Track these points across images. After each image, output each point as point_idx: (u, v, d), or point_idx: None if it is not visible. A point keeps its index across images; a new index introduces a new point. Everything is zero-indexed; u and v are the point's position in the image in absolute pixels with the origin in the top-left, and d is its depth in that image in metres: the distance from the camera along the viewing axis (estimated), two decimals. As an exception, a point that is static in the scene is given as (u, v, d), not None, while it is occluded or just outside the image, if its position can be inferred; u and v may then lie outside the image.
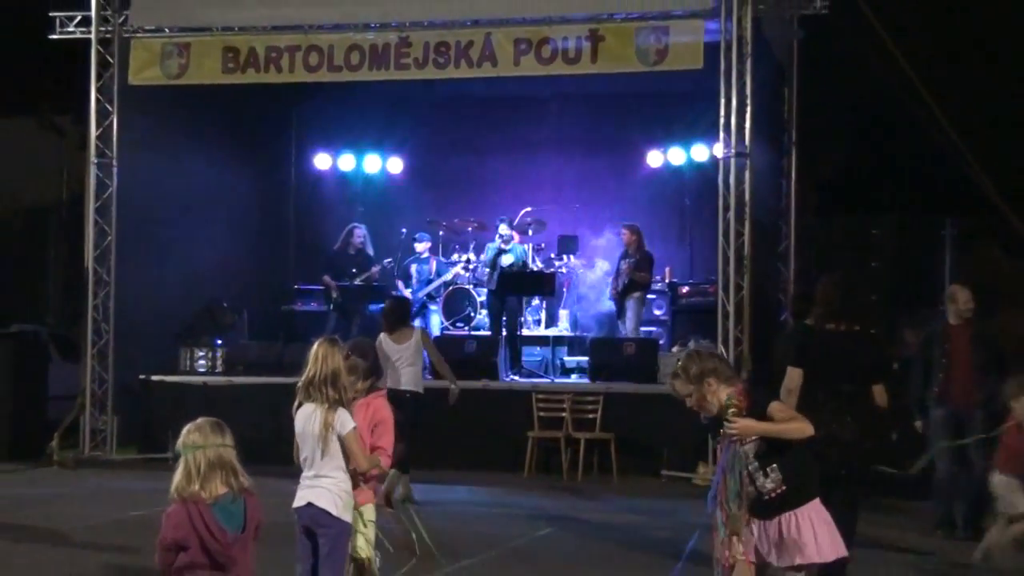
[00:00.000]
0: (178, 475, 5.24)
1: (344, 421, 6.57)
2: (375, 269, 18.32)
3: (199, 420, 5.37)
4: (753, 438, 6.18)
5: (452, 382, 13.20)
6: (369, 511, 7.12)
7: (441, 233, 19.25)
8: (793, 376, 8.56)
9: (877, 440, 9.09)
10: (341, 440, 6.56)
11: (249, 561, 5.27)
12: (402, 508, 7.24)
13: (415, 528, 7.16)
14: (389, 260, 18.69)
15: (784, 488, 6.18)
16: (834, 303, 8.93)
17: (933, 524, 11.16)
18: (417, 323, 16.47)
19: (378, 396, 7.36)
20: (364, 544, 7.07)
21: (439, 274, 18.60)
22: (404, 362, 12.81)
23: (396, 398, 12.77)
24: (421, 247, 18.71)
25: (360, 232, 18.64)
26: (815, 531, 6.16)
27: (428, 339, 13.31)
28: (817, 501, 6.24)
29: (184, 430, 5.31)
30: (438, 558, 7.12)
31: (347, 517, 6.66)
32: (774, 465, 6.17)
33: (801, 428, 6.18)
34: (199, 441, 5.26)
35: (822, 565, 6.22)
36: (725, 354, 14.76)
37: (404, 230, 19.41)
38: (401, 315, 13.39)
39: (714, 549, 6.28)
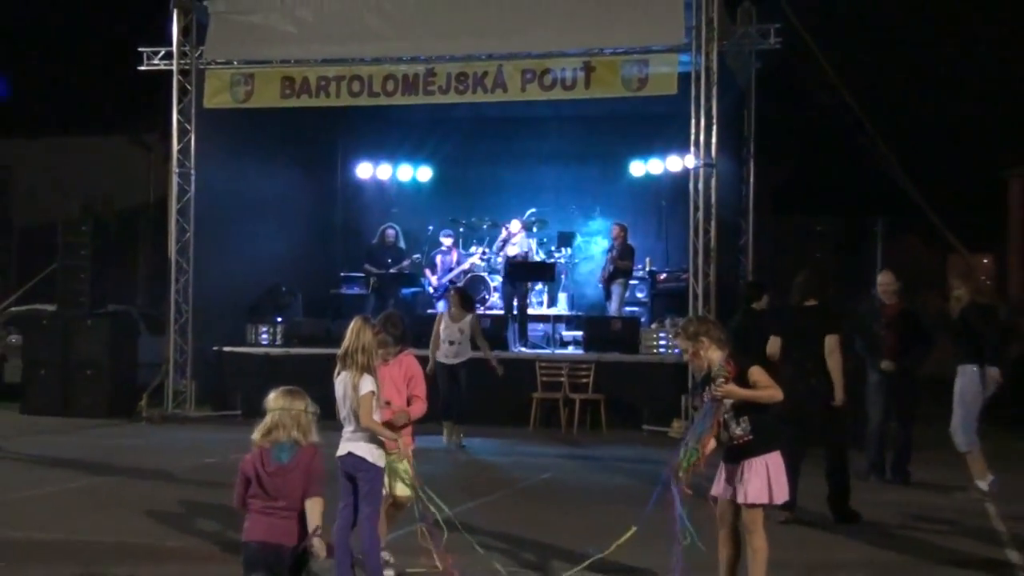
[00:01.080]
0: (258, 427, 5.42)
1: (363, 385, 6.56)
2: (406, 262, 18.31)
3: (282, 388, 5.52)
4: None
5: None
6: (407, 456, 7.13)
7: (461, 229, 19.23)
8: (775, 343, 9.18)
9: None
10: (357, 400, 6.58)
11: (297, 497, 5.27)
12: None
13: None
14: (418, 256, 18.67)
15: (750, 438, 6.19)
16: (809, 287, 9.37)
17: (865, 470, 11.11)
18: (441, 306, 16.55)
19: (408, 355, 7.40)
20: (403, 485, 7.07)
21: (459, 263, 18.60)
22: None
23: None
24: (445, 241, 18.68)
25: (391, 232, 18.66)
26: (770, 477, 6.17)
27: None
28: (777, 454, 6.23)
29: (271, 393, 5.48)
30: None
31: (381, 463, 6.67)
32: (745, 417, 6.21)
33: (772, 395, 6.23)
34: (273, 404, 5.42)
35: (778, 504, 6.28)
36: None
37: (431, 227, 19.40)
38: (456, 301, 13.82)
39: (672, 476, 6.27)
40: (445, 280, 18.29)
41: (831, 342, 9.05)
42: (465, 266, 18.52)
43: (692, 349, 6.28)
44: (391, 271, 18.09)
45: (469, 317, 13.50)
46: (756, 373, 6.23)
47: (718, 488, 6.35)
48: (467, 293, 14.46)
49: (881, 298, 11.19)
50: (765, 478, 6.17)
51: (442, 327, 13.35)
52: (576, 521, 9.08)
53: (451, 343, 13.31)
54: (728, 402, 6.20)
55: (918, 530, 8.89)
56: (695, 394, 6.39)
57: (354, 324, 6.72)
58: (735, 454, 6.25)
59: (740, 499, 6.20)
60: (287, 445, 5.33)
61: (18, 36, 29.44)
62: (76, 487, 10.46)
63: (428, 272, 18.62)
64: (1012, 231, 29.52)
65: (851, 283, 15.29)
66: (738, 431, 6.22)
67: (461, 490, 9.69)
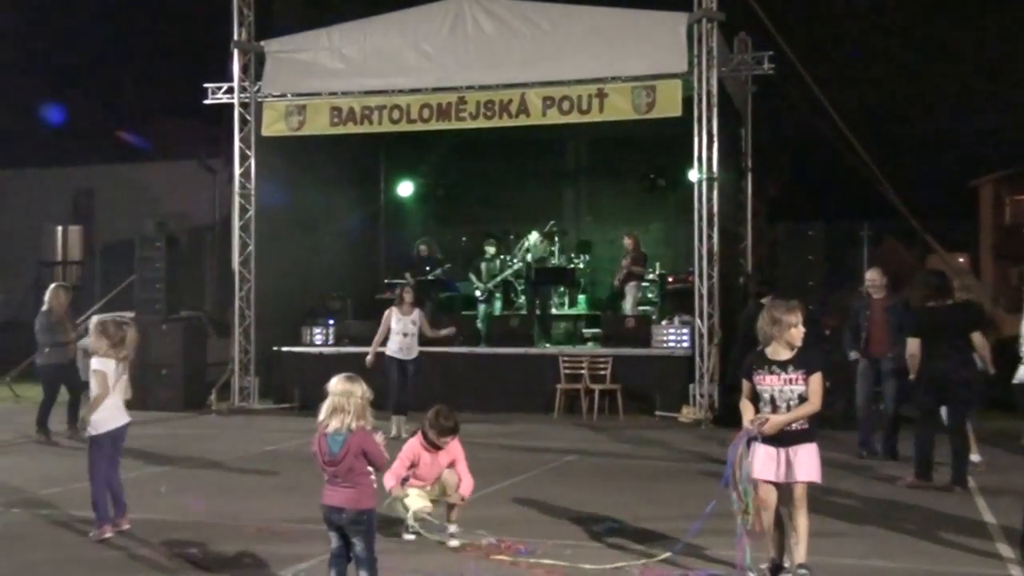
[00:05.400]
0: (323, 407, 5.53)
1: None
2: (439, 271, 18.20)
3: (343, 375, 5.58)
4: (801, 383, 6.04)
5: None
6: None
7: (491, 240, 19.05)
8: (914, 344, 9.26)
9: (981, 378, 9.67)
10: None
11: (351, 475, 5.45)
12: None
13: None
14: (449, 265, 18.55)
15: (806, 426, 6.06)
16: (933, 288, 9.47)
17: (858, 448, 11.06)
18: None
19: (456, 442, 7.39)
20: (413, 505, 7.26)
21: (502, 271, 18.39)
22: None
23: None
24: (489, 249, 18.48)
25: (423, 247, 18.47)
26: (817, 460, 6.07)
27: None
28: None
29: (333, 379, 5.55)
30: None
31: None
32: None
33: (812, 410, 6.06)
34: (334, 389, 5.51)
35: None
36: (701, 326, 14.70)
37: (464, 239, 19.35)
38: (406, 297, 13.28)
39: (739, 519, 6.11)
40: (491, 285, 18.15)
41: (981, 341, 9.47)
42: (508, 274, 18.33)
43: (799, 322, 6.13)
44: (429, 277, 18.02)
45: (417, 311, 13.02)
46: (815, 382, 6.08)
47: (763, 471, 6.08)
48: (415, 289, 13.71)
49: (870, 292, 11.15)
50: (817, 460, 6.05)
51: (393, 321, 12.90)
52: (598, 496, 9.04)
53: (404, 335, 12.83)
54: (795, 391, 6.05)
55: (911, 499, 8.82)
56: (756, 370, 6.15)
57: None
58: (788, 439, 6.05)
59: (802, 477, 6.01)
60: (339, 437, 5.44)
61: (100, 75, 29.74)
62: (155, 472, 10.51)
63: (474, 277, 18.47)
64: (983, 232, 29.35)
65: (840, 281, 15.18)
66: None
67: (497, 470, 9.68)
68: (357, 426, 5.45)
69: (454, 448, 7.28)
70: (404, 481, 7.18)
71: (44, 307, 12.77)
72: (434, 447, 7.17)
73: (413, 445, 7.23)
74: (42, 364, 12.81)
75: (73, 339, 12.96)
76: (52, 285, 13.22)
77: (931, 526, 7.80)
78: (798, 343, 6.13)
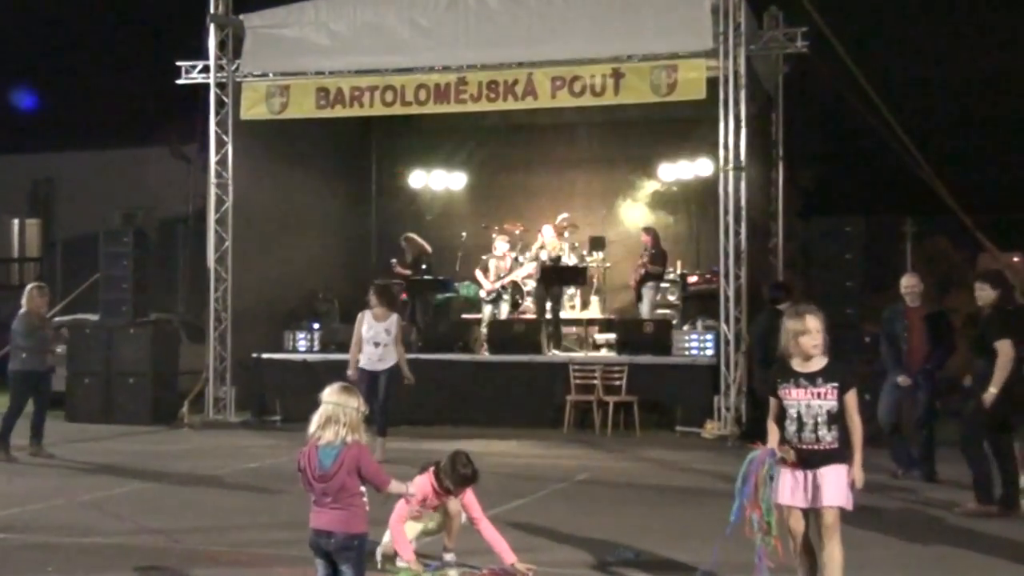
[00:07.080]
0: (314, 417, 5.51)
1: None
2: (423, 267, 18.22)
3: (337, 384, 5.60)
4: (831, 397, 6.01)
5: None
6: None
7: (493, 236, 19.03)
8: (1009, 347, 8.98)
9: None
10: None
11: (342, 494, 5.42)
12: None
13: None
14: (424, 266, 18.42)
15: (836, 445, 6.03)
16: (1008, 288, 9.56)
17: (897, 465, 11.07)
18: None
19: (470, 492, 7.36)
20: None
21: (512, 271, 18.34)
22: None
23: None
24: (501, 247, 18.48)
25: (404, 245, 18.52)
26: (846, 483, 6.03)
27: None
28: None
29: (327, 388, 5.55)
30: None
31: None
32: (836, 426, 6.02)
33: (861, 440, 6.08)
34: (328, 398, 5.50)
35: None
36: (727, 332, 14.70)
37: (464, 234, 19.34)
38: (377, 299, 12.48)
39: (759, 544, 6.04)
40: (498, 285, 18.13)
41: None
42: (518, 277, 18.28)
43: (808, 330, 6.07)
44: (422, 278, 18.00)
45: (394, 317, 12.32)
46: (852, 402, 6.07)
47: (789, 496, 6.06)
48: (389, 290, 13.06)
49: (905, 300, 11.09)
50: (844, 484, 6.00)
51: (364, 328, 12.20)
52: (611, 520, 9.05)
53: (376, 344, 12.10)
54: (825, 406, 6.02)
55: (955, 523, 8.83)
56: (780, 383, 6.10)
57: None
58: (816, 459, 6.03)
59: (828, 502, 5.99)
60: (332, 450, 5.43)
61: (60, 51, 29.80)
62: (121, 492, 10.53)
63: (481, 275, 18.47)
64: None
65: (881, 283, 15.15)
66: (828, 437, 6.01)
67: (500, 491, 9.69)
68: (352, 440, 5.44)
69: (468, 498, 7.20)
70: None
71: (22, 309, 12.84)
72: (447, 492, 7.14)
73: (423, 486, 7.11)
74: (16, 369, 12.70)
75: (54, 347, 13.24)
76: (28, 286, 13.24)
77: (979, 553, 7.80)
78: (811, 352, 6.09)
